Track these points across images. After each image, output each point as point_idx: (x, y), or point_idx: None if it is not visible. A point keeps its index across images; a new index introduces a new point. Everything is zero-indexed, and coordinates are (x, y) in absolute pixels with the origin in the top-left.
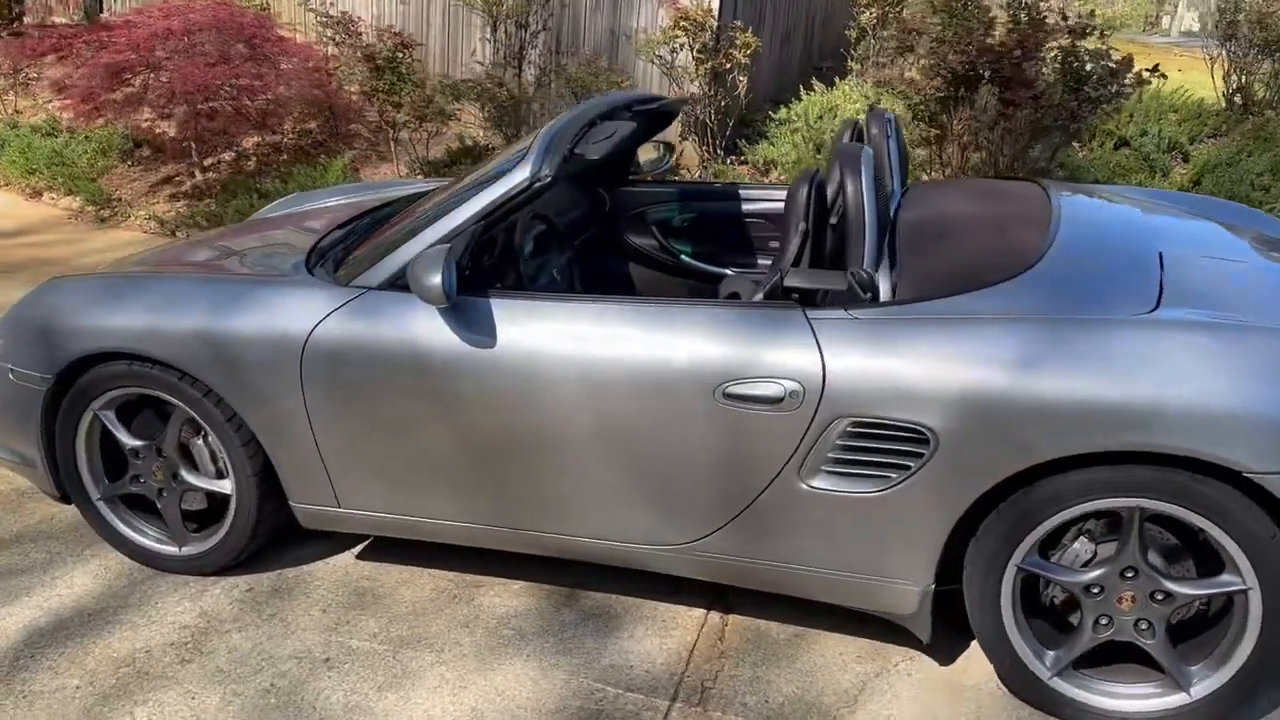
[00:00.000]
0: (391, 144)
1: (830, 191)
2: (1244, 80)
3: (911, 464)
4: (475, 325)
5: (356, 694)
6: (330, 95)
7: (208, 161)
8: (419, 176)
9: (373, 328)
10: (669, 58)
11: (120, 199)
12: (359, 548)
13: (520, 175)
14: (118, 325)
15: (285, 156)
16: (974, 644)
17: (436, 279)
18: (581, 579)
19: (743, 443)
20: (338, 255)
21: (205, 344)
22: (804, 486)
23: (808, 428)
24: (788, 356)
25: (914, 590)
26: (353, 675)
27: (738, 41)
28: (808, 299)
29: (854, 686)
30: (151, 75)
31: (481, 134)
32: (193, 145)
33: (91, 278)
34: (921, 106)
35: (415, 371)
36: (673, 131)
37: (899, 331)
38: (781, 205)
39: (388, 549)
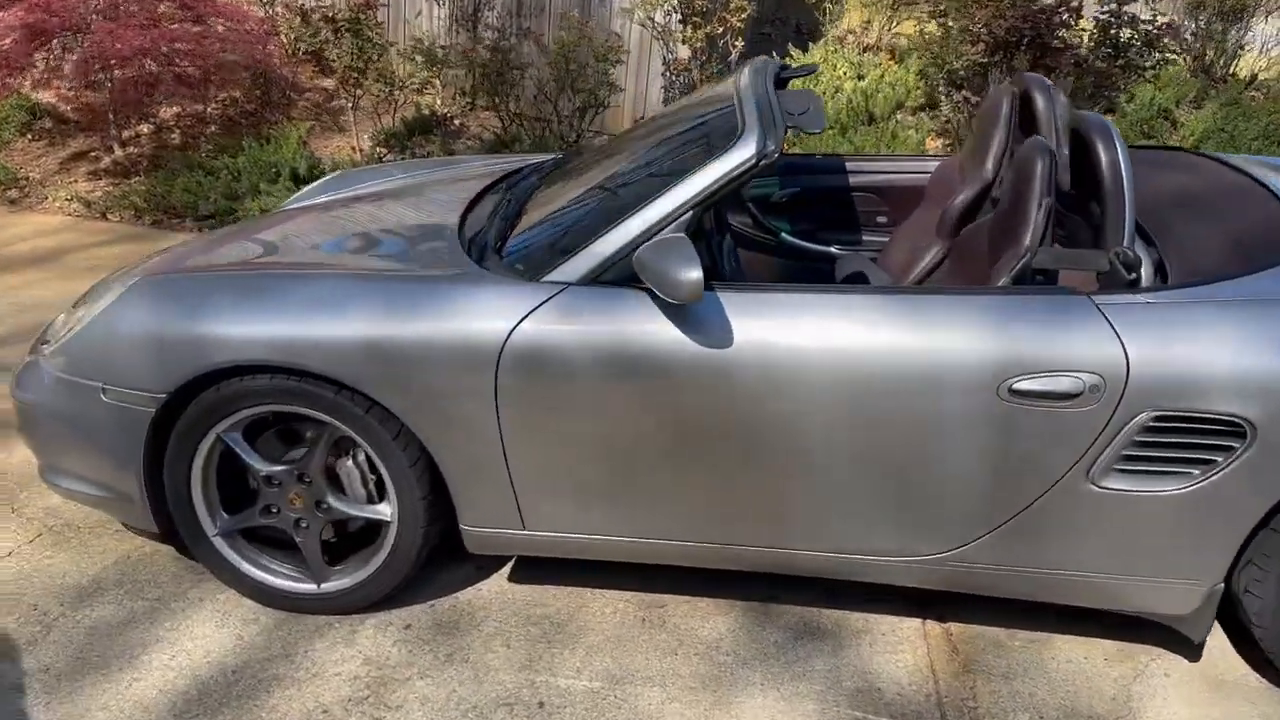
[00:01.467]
0: (352, 113)
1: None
2: (1211, 50)
3: (1220, 458)
4: (707, 322)
5: None
6: (273, 61)
7: (126, 135)
8: (385, 152)
9: (580, 329)
10: (662, 21)
11: (29, 178)
12: (505, 569)
13: (745, 153)
14: (261, 333)
15: (213, 128)
16: (1211, 639)
17: (693, 272)
18: (772, 592)
19: (1024, 443)
20: (495, 245)
21: (375, 354)
22: (1092, 487)
23: (1106, 424)
24: (1084, 347)
25: (1199, 590)
26: None
27: (732, 5)
28: (1052, 279)
29: (1119, 693)
30: (71, 38)
31: (440, 103)
32: (112, 118)
33: (207, 278)
34: (961, 73)
35: (633, 376)
36: (655, 100)
37: (1200, 316)
38: (885, 178)
39: (538, 568)
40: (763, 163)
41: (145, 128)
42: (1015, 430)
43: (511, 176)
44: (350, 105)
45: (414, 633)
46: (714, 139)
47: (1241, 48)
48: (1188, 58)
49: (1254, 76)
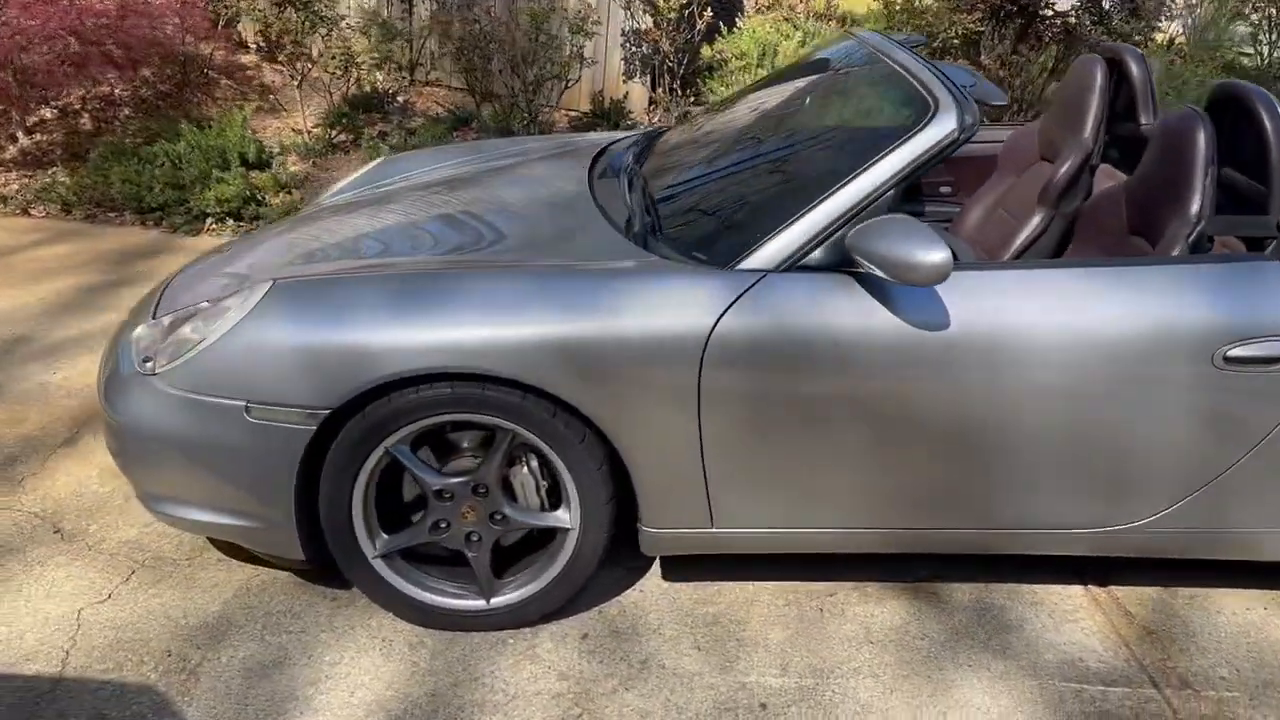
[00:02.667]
0: (299, 92)
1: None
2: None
3: None
4: (930, 304)
5: None
6: (197, 36)
7: (31, 122)
8: (335, 132)
9: (787, 319)
10: None
11: None
12: (655, 570)
13: (947, 126)
14: (441, 339)
15: (126, 111)
16: None
17: (939, 252)
18: (934, 571)
19: (1233, 408)
20: (654, 230)
21: (567, 354)
22: None
23: None
24: None
25: None
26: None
27: None
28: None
29: None
30: None
31: (383, 78)
32: (14, 104)
33: (357, 283)
34: (955, 40)
35: (847, 365)
36: (614, 73)
37: None
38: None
39: (690, 566)
40: (964, 136)
41: (48, 113)
42: (1226, 396)
43: (606, 154)
44: (296, 83)
45: (594, 642)
46: (887, 112)
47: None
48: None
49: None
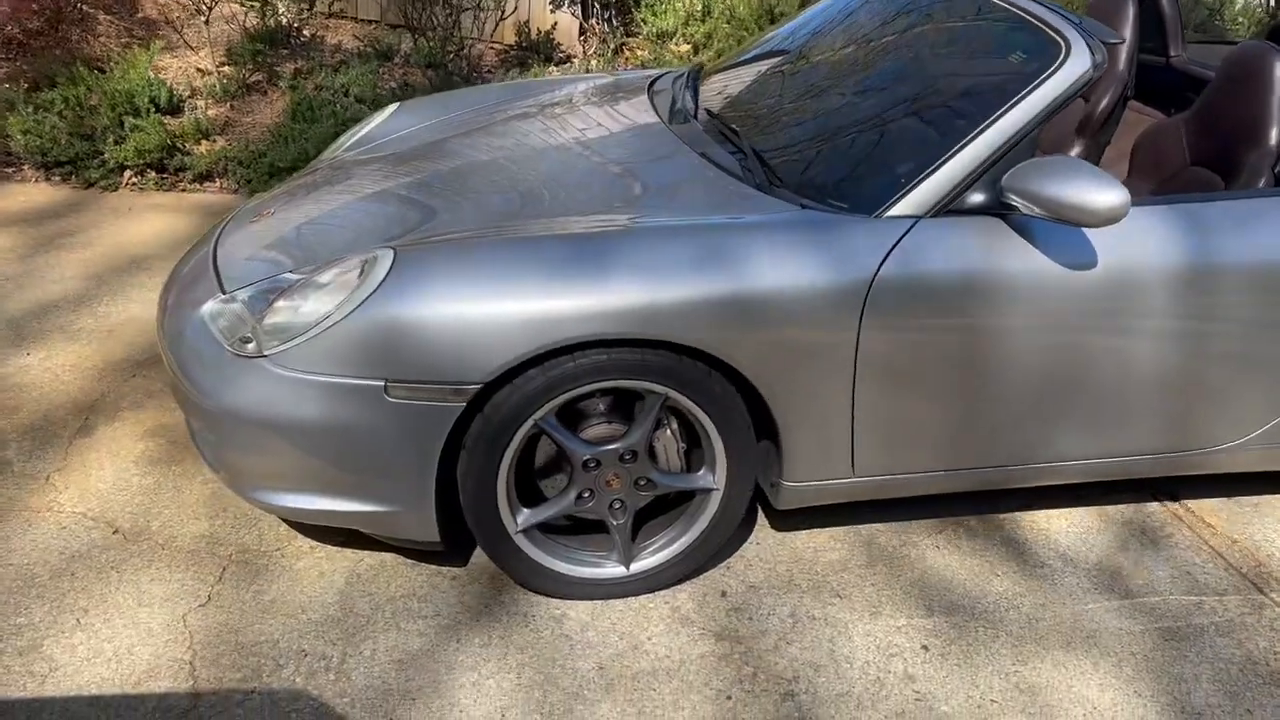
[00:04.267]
0: (206, 29)
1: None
2: None
3: None
4: (1081, 244)
5: (1031, 669)
6: None
7: None
8: (249, 72)
9: (943, 265)
10: None
11: None
12: (759, 521)
13: (1081, 65)
14: (604, 304)
15: None
16: None
17: (1115, 192)
18: (1025, 501)
19: None
20: (772, 178)
21: (728, 313)
22: None
23: None
24: None
25: None
26: (978, 657)
27: None
28: None
29: None
30: None
31: (283, 8)
32: None
33: (495, 248)
34: None
35: (1008, 308)
36: (541, 1)
37: None
38: None
39: (793, 515)
40: (1096, 75)
41: None
42: None
43: (657, 94)
44: (204, 18)
45: (735, 599)
46: (1007, 51)
47: None
48: None
49: None
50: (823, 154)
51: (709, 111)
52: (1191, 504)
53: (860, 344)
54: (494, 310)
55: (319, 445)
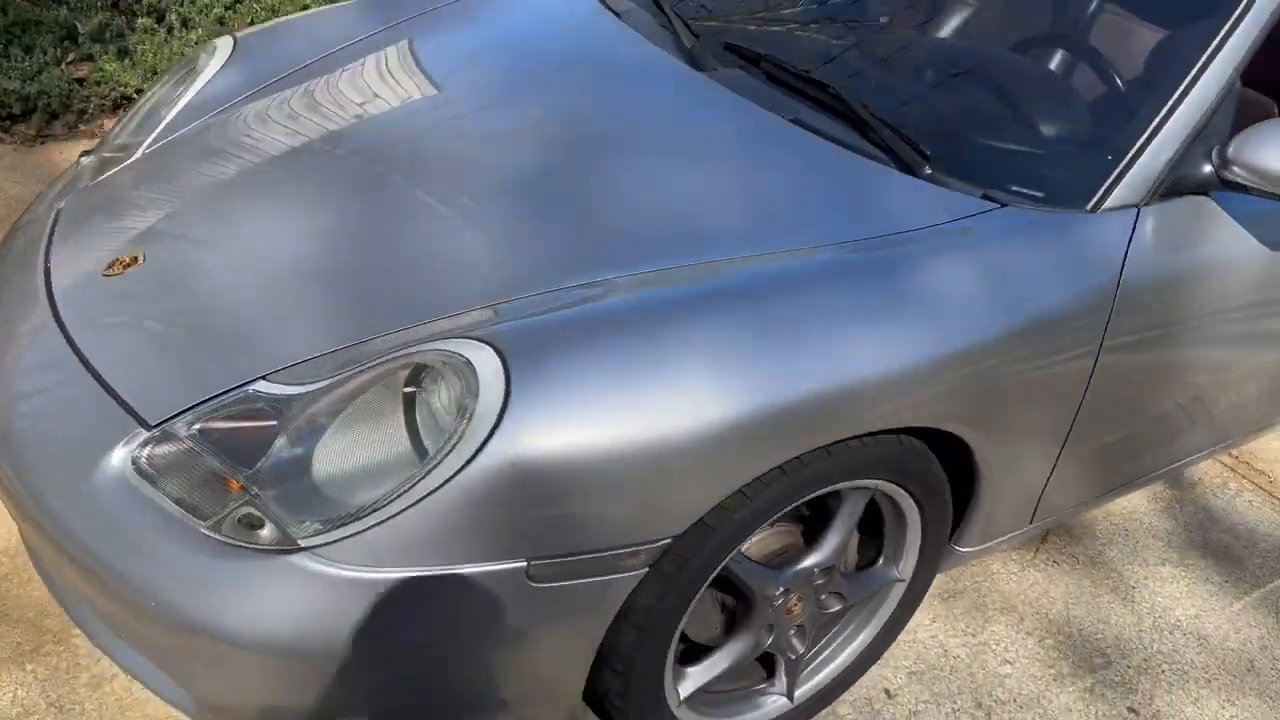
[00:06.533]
0: None
1: None
2: None
3: None
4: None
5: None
6: None
7: None
8: None
9: (1182, 258)
10: None
11: None
12: None
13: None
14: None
15: None
16: None
17: None
18: None
19: None
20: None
21: (955, 368)
22: None
23: None
24: None
25: None
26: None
27: None
28: None
29: None
30: None
31: None
32: None
33: (638, 330)
34: None
35: (1254, 298)
36: None
37: None
38: None
39: None
40: None
41: None
42: None
43: (633, 13)
44: None
45: (906, 697)
46: None
47: None
48: None
49: None
50: (978, 121)
51: (731, 45)
52: (1235, 452)
53: (1097, 367)
54: (681, 431)
55: (410, 674)
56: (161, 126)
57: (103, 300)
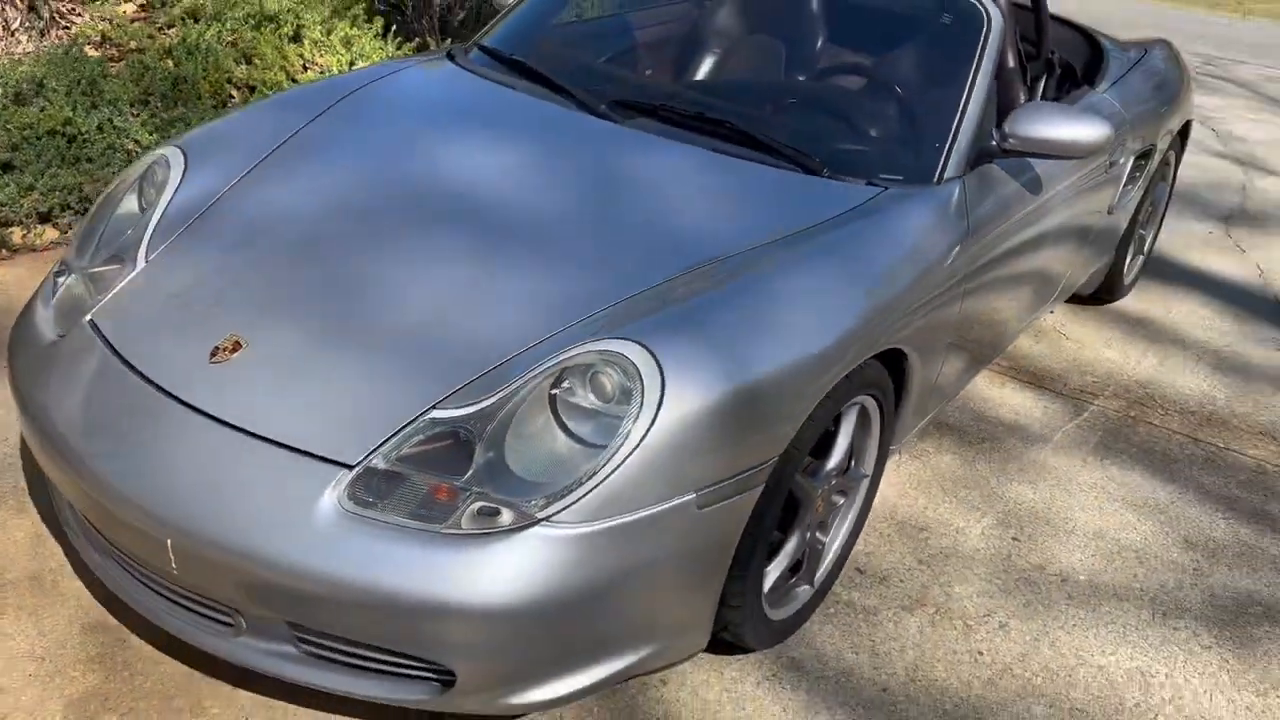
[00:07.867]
0: None
1: None
2: None
3: None
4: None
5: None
6: None
7: None
8: None
9: (988, 206)
10: None
11: None
12: None
13: (998, 19)
14: (854, 331)
15: None
16: None
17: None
18: None
19: None
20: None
21: (904, 306)
22: None
23: None
24: None
25: None
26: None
27: None
28: None
29: None
30: None
31: None
32: None
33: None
34: None
35: (1027, 226)
36: None
37: None
38: None
39: None
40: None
41: None
42: None
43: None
44: None
45: (870, 572)
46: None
47: None
48: None
49: None
50: (836, 127)
51: (622, 102)
52: None
53: (963, 288)
54: (781, 371)
55: (612, 602)
56: (150, 232)
57: (228, 381)
